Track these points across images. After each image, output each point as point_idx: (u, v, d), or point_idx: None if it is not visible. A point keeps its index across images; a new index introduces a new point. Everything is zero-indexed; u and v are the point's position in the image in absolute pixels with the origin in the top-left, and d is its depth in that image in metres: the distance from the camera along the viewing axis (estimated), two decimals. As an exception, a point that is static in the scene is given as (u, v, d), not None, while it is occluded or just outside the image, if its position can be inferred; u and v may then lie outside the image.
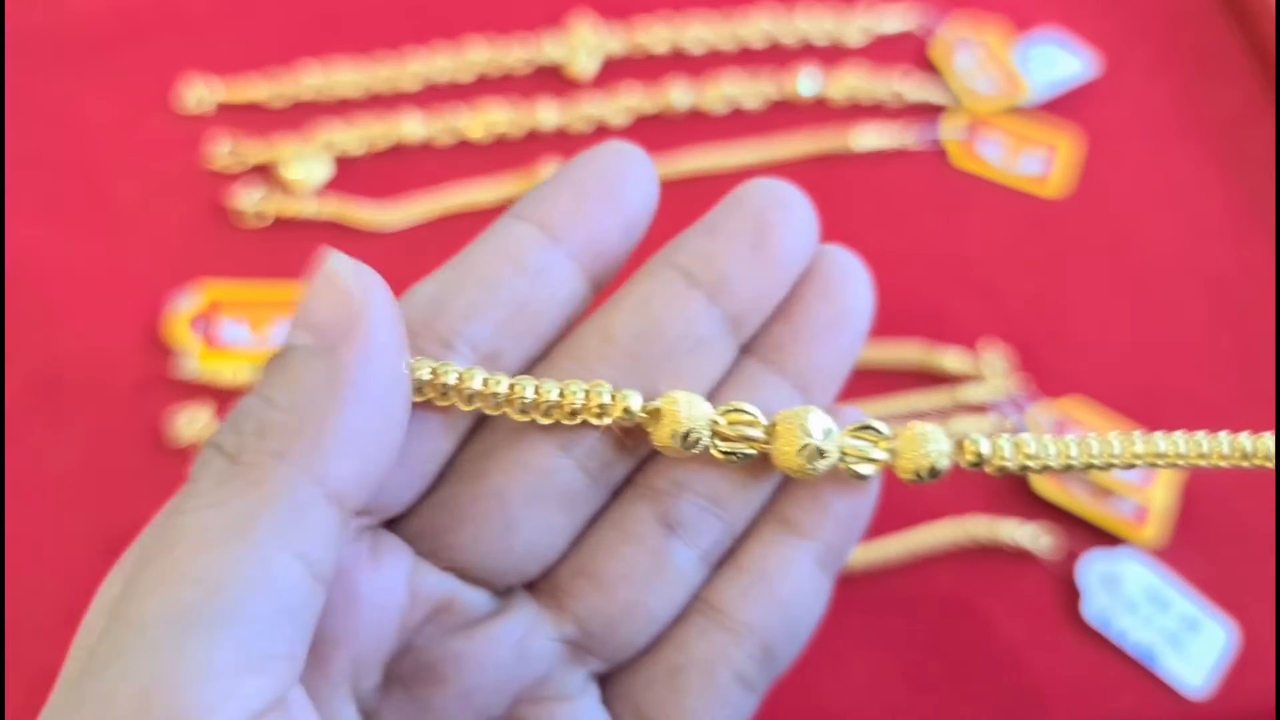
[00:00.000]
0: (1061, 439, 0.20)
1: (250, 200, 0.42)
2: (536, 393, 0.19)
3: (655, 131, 0.45)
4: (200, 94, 0.45)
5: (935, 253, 0.43)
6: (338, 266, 0.17)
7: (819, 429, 0.20)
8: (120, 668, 0.14)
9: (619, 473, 0.21)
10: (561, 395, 0.19)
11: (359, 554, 0.19)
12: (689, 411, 0.19)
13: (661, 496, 0.20)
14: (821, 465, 0.20)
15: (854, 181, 0.44)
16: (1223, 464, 0.21)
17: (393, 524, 0.20)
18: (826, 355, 0.21)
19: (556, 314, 0.20)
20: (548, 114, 0.45)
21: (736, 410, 0.20)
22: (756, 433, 0.20)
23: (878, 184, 0.44)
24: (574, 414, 0.19)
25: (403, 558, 0.20)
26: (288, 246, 0.41)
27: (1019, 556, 0.36)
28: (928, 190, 0.44)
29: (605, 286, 0.21)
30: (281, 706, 0.15)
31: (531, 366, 0.20)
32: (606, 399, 0.19)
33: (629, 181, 0.20)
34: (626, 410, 0.19)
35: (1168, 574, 0.36)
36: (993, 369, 0.40)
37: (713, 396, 0.21)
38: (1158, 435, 0.21)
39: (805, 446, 0.20)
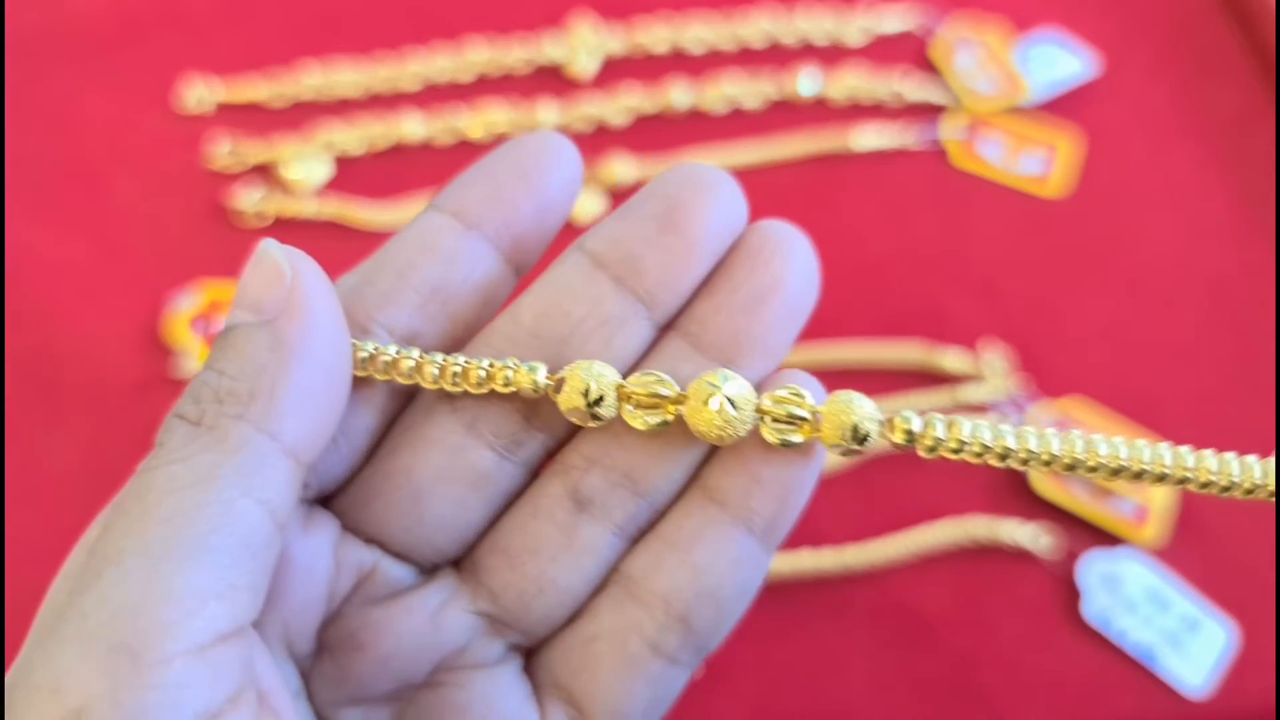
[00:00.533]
0: (998, 427, 0.20)
1: (250, 200, 0.42)
2: (444, 363, 0.20)
3: (655, 131, 0.45)
4: (200, 94, 0.45)
5: (935, 253, 0.43)
6: (269, 249, 0.19)
7: (731, 389, 0.20)
8: (96, 593, 0.16)
9: (533, 451, 0.21)
10: (467, 365, 0.20)
11: (292, 522, 0.20)
12: (591, 373, 0.20)
13: (573, 472, 0.21)
14: (735, 424, 0.20)
15: (854, 181, 0.44)
16: (1166, 472, 0.20)
17: (325, 502, 0.21)
18: (755, 329, 0.21)
19: (473, 296, 0.21)
20: (548, 114, 0.45)
21: (647, 376, 0.20)
22: (667, 391, 0.20)
23: (878, 184, 0.44)
24: (480, 385, 0.20)
25: (329, 528, 0.21)
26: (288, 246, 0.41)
27: (1019, 556, 0.36)
28: (928, 190, 0.44)
29: (529, 269, 0.22)
30: (243, 636, 0.17)
31: (451, 347, 0.21)
32: (510, 371, 0.20)
33: (545, 168, 0.21)
34: (533, 382, 0.20)
35: (1168, 574, 0.36)
36: (993, 369, 0.40)
37: (626, 374, 0.21)
38: (1097, 438, 0.20)
39: (711, 402, 0.19)
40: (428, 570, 0.21)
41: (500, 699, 0.21)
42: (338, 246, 0.41)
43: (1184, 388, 0.40)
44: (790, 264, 0.21)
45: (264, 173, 0.43)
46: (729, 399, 0.19)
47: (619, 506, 0.21)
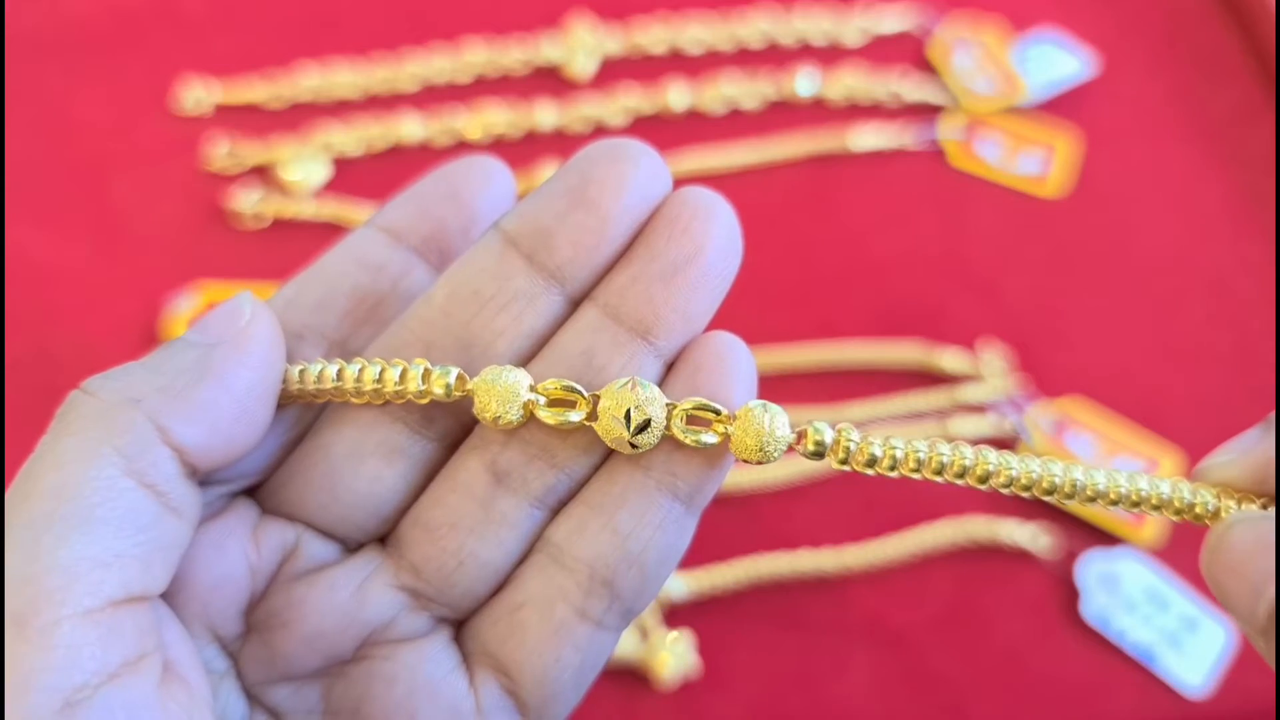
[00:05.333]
0: (913, 441, 0.20)
1: (248, 201, 0.42)
2: (360, 378, 0.21)
3: (653, 132, 0.45)
4: (198, 95, 0.45)
5: (934, 253, 0.43)
6: (244, 301, 0.20)
7: (643, 409, 0.19)
8: None
9: (446, 426, 0.22)
10: (382, 374, 0.20)
11: (210, 510, 0.21)
12: (500, 385, 0.20)
13: (491, 445, 0.21)
14: (642, 446, 0.20)
15: (852, 182, 0.44)
16: (1081, 491, 0.20)
17: (251, 491, 0.22)
18: (674, 300, 0.20)
19: (400, 302, 0.22)
20: (546, 115, 0.45)
21: (559, 385, 0.20)
22: (576, 416, 0.20)
23: (876, 184, 0.44)
24: (398, 396, 0.20)
25: (246, 513, 0.21)
26: (286, 248, 0.41)
27: (1019, 556, 0.36)
28: (926, 190, 0.44)
29: None
30: (140, 603, 0.18)
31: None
32: (420, 381, 0.20)
33: (474, 189, 0.22)
34: (445, 387, 0.20)
35: (1166, 573, 0.36)
36: (992, 369, 0.40)
37: (540, 349, 0.21)
38: (1008, 455, 0.20)
39: (619, 437, 0.20)
40: (353, 548, 0.22)
41: (428, 668, 0.21)
42: (336, 248, 0.41)
43: (1183, 387, 0.40)
44: (711, 230, 0.20)
45: (262, 174, 0.43)
46: (632, 443, 0.20)
47: (537, 479, 0.21)
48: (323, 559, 0.21)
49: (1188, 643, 0.35)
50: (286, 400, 0.21)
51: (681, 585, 0.36)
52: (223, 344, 0.20)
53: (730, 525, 0.37)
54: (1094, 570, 0.36)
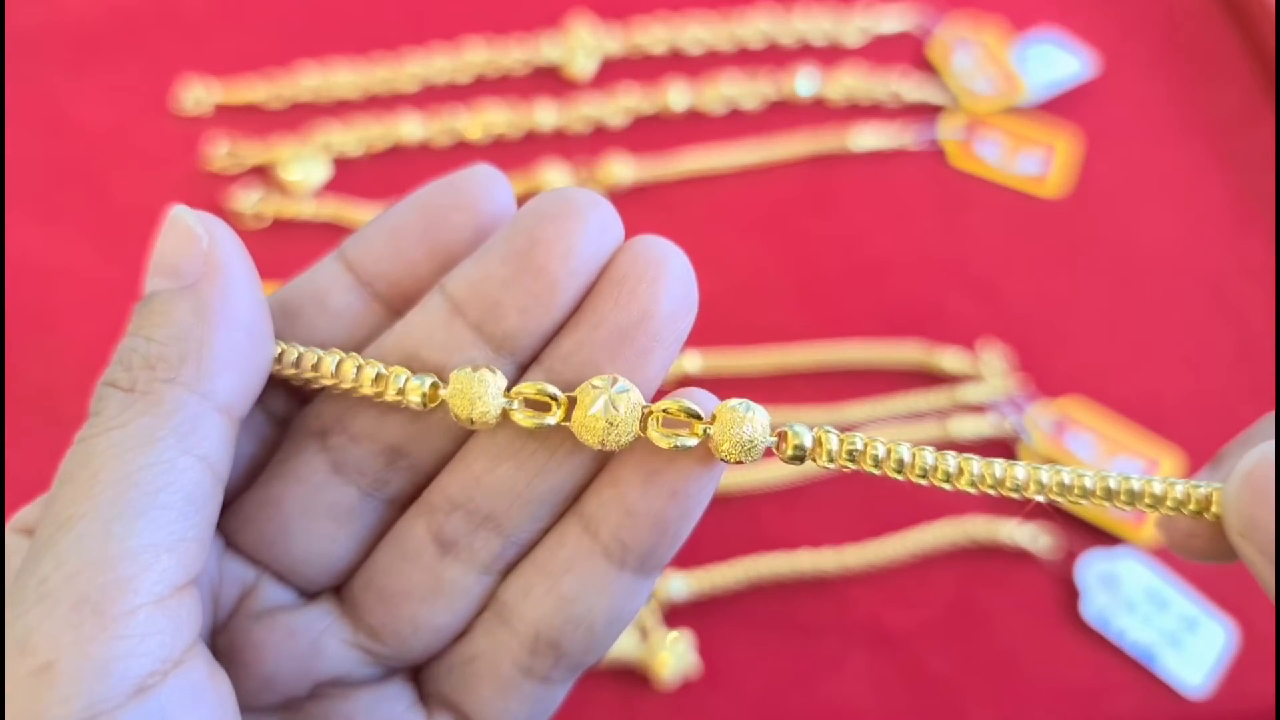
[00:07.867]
0: (897, 445, 0.20)
1: (248, 201, 0.42)
2: (338, 369, 0.20)
3: (653, 132, 0.45)
4: (198, 95, 0.45)
5: (934, 253, 0.43)
6: (182, 215, 0.20)
7: (616, 401, 0.19)
8: (52, 556, 0.17)
9: (397, 488, 0.21)
10: (359, 371, 0.20)
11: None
12: (477, 381, 0.19)
13: (437, 514, 0.21)
14: (613, 438, 0.19)
15: (852, 182, 0.44)
16: (1058, 493, 0.19)
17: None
18: (619, 366, 0.20)
19: (356, 351, 0.21)
20: (546, 115, 0.45)
21: (538, 388, 0.19)
22: (553, 420, 0.19)
23: (876, 184, 0.44)
24: (376, 383, 0.20)
25: (215, 540, 0.21)
26: (286, 248, 0.41)
27: (1019, 556, 0.36)
28: (926, 190, 0.44)
29: None
30: (193, 587, 0.18)
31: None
32: (400, 383, 0.20)
33: (453, 222, 0.21)
34: (421, 394, 0.20)
35: (1166, 573, 0.36)
36: (991, 369, 0.40)
37: None
38: (997, 462, 0.20)
39: (594, 419, 0.19)
40: (309, 595, 0.22)
41: (385, 707, 0.21)
42: (336, 248, 0.41)
43: (1183, 387, 0.40)
44: (659, 291, 0.19)
45: (262, 174, 0.43)
46: (609, 422, 0.19)
47: (483, 548, 0.21)
48: (280, 602, 0.21)
49: (1188, 643, 0.35)
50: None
51: (681, 585, 0.36)
52: (202, 279, 0.19)
53: (730, 525, 0.37)
54: (1094, 570, 0.36)
